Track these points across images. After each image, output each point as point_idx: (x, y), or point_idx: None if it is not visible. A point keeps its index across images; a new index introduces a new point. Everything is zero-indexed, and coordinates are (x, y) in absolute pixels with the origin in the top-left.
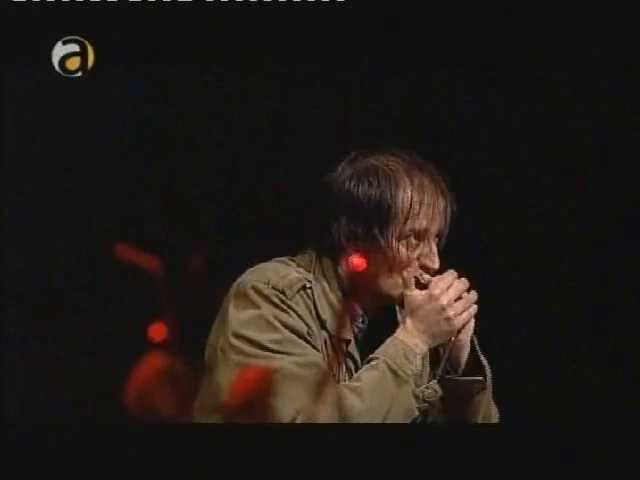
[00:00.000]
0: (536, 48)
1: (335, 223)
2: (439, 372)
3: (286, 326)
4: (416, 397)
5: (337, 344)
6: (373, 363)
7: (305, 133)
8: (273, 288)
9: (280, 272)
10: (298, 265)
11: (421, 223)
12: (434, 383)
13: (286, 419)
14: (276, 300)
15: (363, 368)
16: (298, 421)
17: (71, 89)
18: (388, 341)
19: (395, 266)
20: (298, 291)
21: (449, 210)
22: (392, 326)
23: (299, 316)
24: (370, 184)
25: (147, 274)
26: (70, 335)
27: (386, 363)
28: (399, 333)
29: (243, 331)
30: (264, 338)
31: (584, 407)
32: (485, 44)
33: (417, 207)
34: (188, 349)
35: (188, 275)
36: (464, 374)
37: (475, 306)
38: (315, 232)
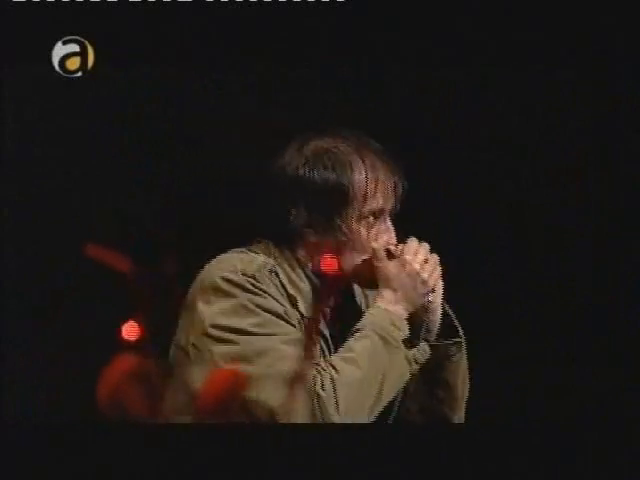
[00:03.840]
0: (536, 48)
1: (291, 211)
2: (421, 336)
3: (264, 309)
4: (408, 361)
5: (309, 323)
6: (361, 333)
7: None
8: (243, 275)
9: (245, 259)
10: (257, 253)
11: (378, 202)
12: (424, 344)
13: (276, 403)
14: (248, 286)
15: (351, 339)
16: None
17: (71, 89)
18: (371, 311)
19: (356, 247)
20: (267, 274)
21: (400, 187)
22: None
23: (273, 298)
24: (325, 168)
25: (118, 273)
26: (70, 335)
27: (375, 331)
28: (380, 303)
29: (223, 321)
30: (246, 323)
31: (584, 407)
32: (485, 44)
33: (373, 187)
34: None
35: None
36: (439, 338)
37: (440, 267)
38: (270, 221)
